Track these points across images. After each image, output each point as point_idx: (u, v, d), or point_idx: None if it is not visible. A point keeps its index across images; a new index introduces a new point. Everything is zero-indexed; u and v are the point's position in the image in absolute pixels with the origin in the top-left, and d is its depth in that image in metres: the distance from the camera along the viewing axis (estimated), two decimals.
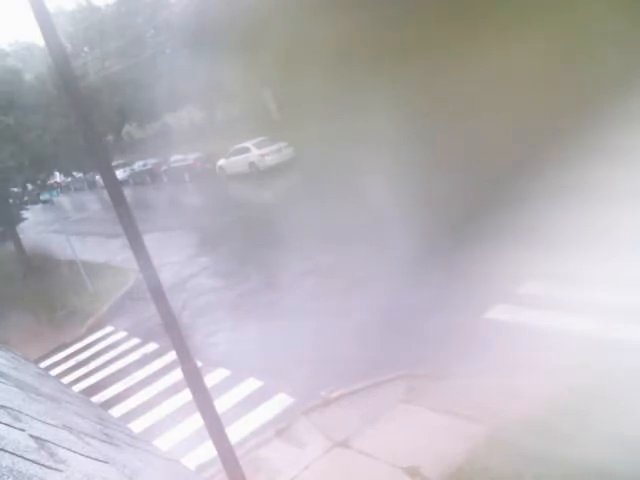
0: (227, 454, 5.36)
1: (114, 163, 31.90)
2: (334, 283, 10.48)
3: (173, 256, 15.89)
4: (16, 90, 19.86)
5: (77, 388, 10.26)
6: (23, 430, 1.48)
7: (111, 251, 19.08)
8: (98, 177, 32.00)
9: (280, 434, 6.95)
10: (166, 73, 30.39)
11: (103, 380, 10.71)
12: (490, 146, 11.30)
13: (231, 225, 17.17)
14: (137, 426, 8.16)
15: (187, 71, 28.05)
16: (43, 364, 12.02)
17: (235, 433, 6.82)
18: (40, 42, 34.58)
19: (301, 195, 17.26)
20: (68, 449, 1.56)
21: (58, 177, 38.65)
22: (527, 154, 10.59)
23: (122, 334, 12.64)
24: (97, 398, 9.71)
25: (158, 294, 5.20)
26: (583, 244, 7.68)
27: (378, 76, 17.70)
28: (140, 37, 35.20)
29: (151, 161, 33.66)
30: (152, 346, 11.24)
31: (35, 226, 28.90)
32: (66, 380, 10.81)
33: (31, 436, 1.46)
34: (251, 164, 23.83)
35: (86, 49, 41.34)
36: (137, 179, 33.98)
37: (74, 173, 30.71)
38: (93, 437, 2.03)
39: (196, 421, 6.41)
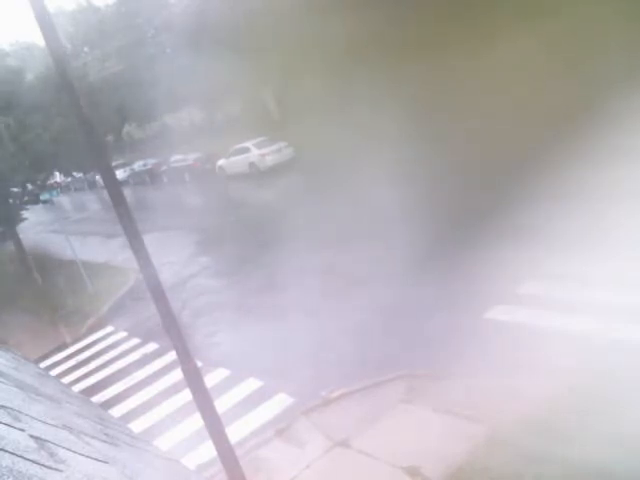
0: (227, 454, 5.36)
1: (114, 163, 31.91)
2: (334, 283, 10.47)
3: (173, 256, 15.89)
4: (16, 90, 19.87)
5: (77, 388, 10.26)
6: (23, 430, 1.48)
7: (111, 251, 19.08)
8: (98, 177, 32.01)
9: (280, 434, 6.95)
10: (166, 73, 30.37)
11: (103, 380, 10.71)
12: (491, 145, 11.30)
13: (231, 225, 17.18)
14: (137, 426, 8.16)
15: (187, 71, 28.05)
16: (43, 364, 12.02)
17: (235, 433, 6.82)
18: (40, 42, 34.55)
19: (301, 195, 17.25)
20: (68, 449, 1.56)
21: (58, 177, 38.68)
22: (528, 154, 10.59)
23: (122, 334, 12.64)
24: (97, 398, 9.71)
25: (158, 294, 5.20)
26: (583, 244, 7.69)
27: (379, 75, 17.70)
28: (140, 37, 35.18)
29: (151, 161, 33.66)
30: (152, 346, 11.24)
31: (35, 226, 28.89)
32: (66, 380, 10.82)
33: (31, 436, 1.46)
34: (251, 164, 23.83)
35: (86, 49, 41.34)
36: (137, 179, 33.97)
37: (74, 173, 30.72)
38: (93, 437, 2.03)
39: (196, 421, 6.41)
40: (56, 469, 1.32)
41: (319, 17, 18.34)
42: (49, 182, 26.50)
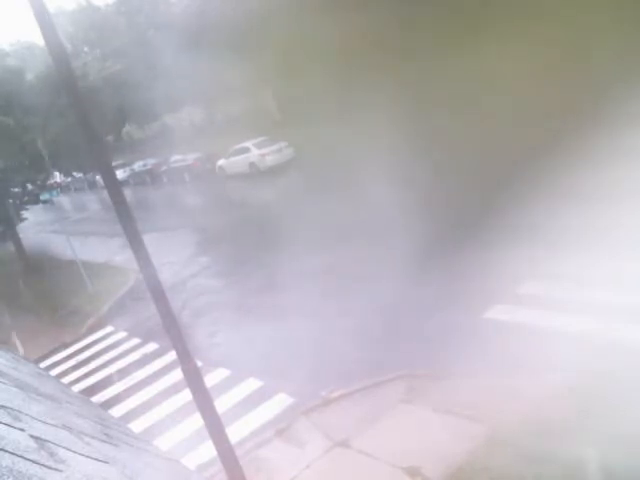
0: (227, 454, 5.36)
1: (114, 163, 31.88)
2: (334, 283, 10.48)
3: (173, 256, 15.89)
4: (16, 90, 19.87)
5: (77, 388, 10.26)
6: (23, 430, 1.48)
7: (111, 251, 19.08)
8: (98, 177, 32.01)
9: (280, 434, 6.95)
10: (166, 73, 30.38)
11: (103, 380, 10.71)
12: (490, 145, 11.30)
13: (231, 225, 17.17)
14: (137, 426, 8.16)
15: (187, 71, 28.03)
16: (43, 364, 12.02)
17: (235, 433, 6.82)
18: (40, 42, 34.55)
19: (301, 195, 17.25)
20: (68, 449, 1.56)
21: (58, 177, 38.72)
22: (527, 154, 10.58)
23: (122, 334, 12.64)
24: (97, 398, 9.71)
25: (158, 294, 5.20)
26: (583, 244, 7.69)
27: (379, 76, 17.69)
28: (140, 37, 35.18)
29: (151, 161, 33.66)
30: (152, 346, 11.24)
31: (35, 226, 28.89)
32: (66, 380, 10.81)
33: (31, 436, 1.46)
34: (251, 164, 23.82)
35: (86, 49, 41.37)
36: (137, 179, 33.97)
37: (74, 173, 30.73)
38: (93, 437, 2.03)
39: (196, 421, 6.41)
40: (56, 469, 1.32)
41: (319, 17, 18.34)
42: (49, 182, 26.51)
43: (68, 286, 16.74)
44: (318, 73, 19.43)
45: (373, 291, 9.57)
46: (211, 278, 13.86)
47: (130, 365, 10.91)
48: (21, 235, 22.00)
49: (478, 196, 10.62)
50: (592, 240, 7.50)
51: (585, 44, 12.36)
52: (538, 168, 9.68)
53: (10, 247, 21.93)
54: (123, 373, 10.66)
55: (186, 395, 6.59)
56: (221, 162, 25.71)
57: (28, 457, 1.27)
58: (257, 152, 23.50)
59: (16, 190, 21.23)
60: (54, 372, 11.41)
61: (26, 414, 1.70)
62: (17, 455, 1.24)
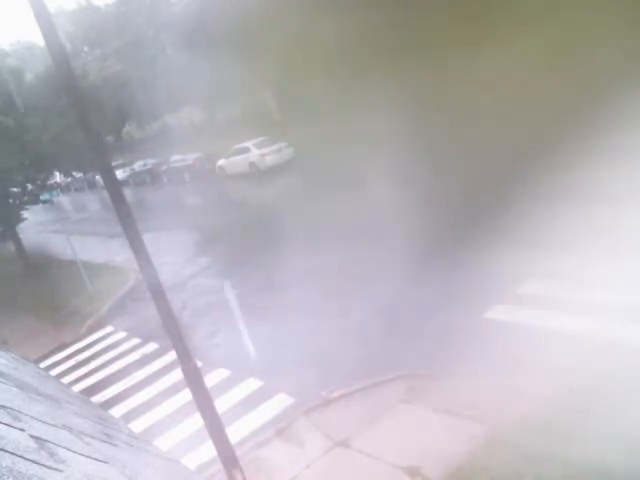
0: (227, 454, 5.37)
1: (114, 163, 31.88)
2: (334, 283, 10.48)
3: (173, 256, 15.88)
4: (16, 90, 19.87)
5: (77, 388, 10.26)
6: (23, 430, 1.48)
7: (111, 251, 19.06)
8: (98, 177, 32.02)
9: (280, 434, 6.95)
10: (166, 73, 30.39)
11: (103, 380, 10.71)
12: (491, 146, 11.29)
13: (231, 225, 17.17)
14: (137, 426, 8.16)
15: (187, 71, 28.06)
16: (43, 364, 12.02)
17: (235, 433, 6.83)
18: (40, 42, 34.54)
19: (301, 195, 17.26)
20: (68, 449, 1.56)
21: (58, 177, 38.66)
22: (527, 154, 10.58)
23: (122, 334, 12.63)
24: (97, 398, 9.71)
25: (158, 294, 5.20)
26: (583, 244, 7.68)
27: (379, 76, 17.69)
28: (140, 37, 35.19)
29: (151, 161, 33.67)
30: (152, 346, 11.24)
31: (35, 226, 28.89)
32: (66, 380, 10.81)
33: (31, 436, 1.46)
34: (251, 164, 23.83)
35: (86, 49, 41.38)
36: (137, 179, 33.97)
37: (74, 173, 30.70)
38: (93, 437, 2.03)
39: (196, 421, 6.41)
40: (56, 469, 1.32)
41: (319, 17, 18.34)
42: (49, 182, 26.49)
43: (68, 286, 16.73)
44: (318, 73, 19.43)
45: (373, 291, 9.57)
46: (211, 278, 13.84)
47: (130, 365, 10.91)
48: (21, 235, 22.00)
49: (478, 196, 10.62)
50: (592, 240, 7.50)
51: (585, 44, 12.35)
52: (538, 168, 9.68)
53: (10, 247, 21.92)
54: (123, 373, 10.66)
55: (186, 395, 6.59)
56: (221, 162, 25.72)
57: (28, 457, 1.27)
58: (257, 152, 23.51)
59: (16, 190, 21.21)
60: (54, 372, 11.41)
61: (26, 414, 1.70)
62: (17, 455, 1.24)
